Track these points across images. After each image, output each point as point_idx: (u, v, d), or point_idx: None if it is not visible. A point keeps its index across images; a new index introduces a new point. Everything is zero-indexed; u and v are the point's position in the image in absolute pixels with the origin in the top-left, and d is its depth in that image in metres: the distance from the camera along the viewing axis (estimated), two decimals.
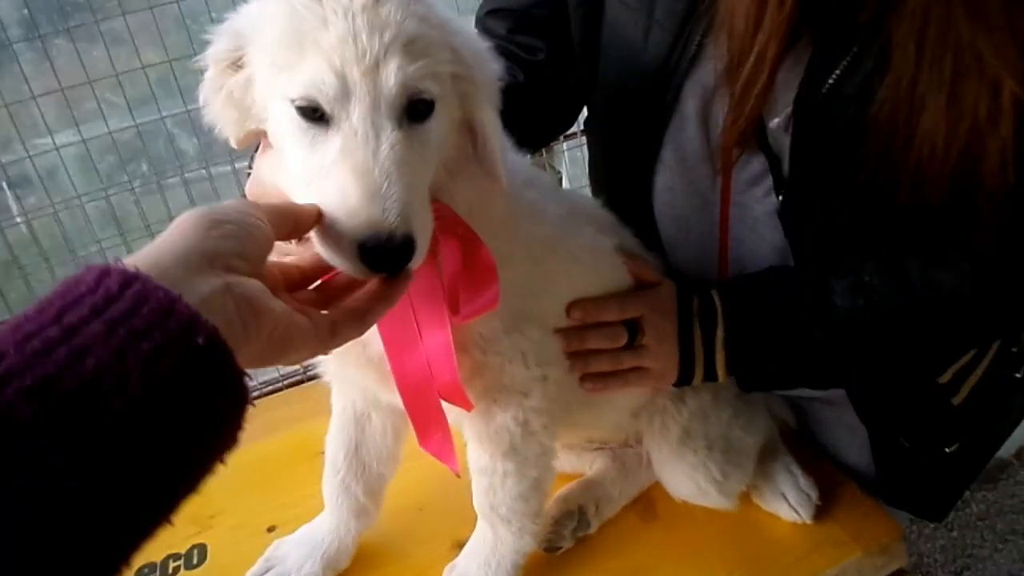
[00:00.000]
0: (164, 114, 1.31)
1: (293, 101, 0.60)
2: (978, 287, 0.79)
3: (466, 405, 0.78)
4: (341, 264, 0.59)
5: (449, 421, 0.81)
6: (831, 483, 1.04)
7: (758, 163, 0.86)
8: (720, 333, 0.88)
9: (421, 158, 0.62)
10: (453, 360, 0.73)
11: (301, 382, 1.42)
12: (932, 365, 0.94)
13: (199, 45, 0.68)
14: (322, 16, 0.59)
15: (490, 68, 0.70)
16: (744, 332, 0.88)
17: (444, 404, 0.79)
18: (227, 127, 0.69)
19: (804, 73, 0.77)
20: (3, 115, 1.17)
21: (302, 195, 0.62)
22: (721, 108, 0.82)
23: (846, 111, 0.75)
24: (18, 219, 1.23)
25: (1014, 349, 1.01)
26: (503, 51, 0.92)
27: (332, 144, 0.60)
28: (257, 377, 1.45)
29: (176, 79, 1.28)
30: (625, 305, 0.88)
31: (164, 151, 1.37)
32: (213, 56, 0.66)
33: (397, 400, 0.82)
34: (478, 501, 0.90)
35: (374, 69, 0.59)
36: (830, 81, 0.75)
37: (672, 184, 0.93)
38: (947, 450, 0.98)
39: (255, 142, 0.73)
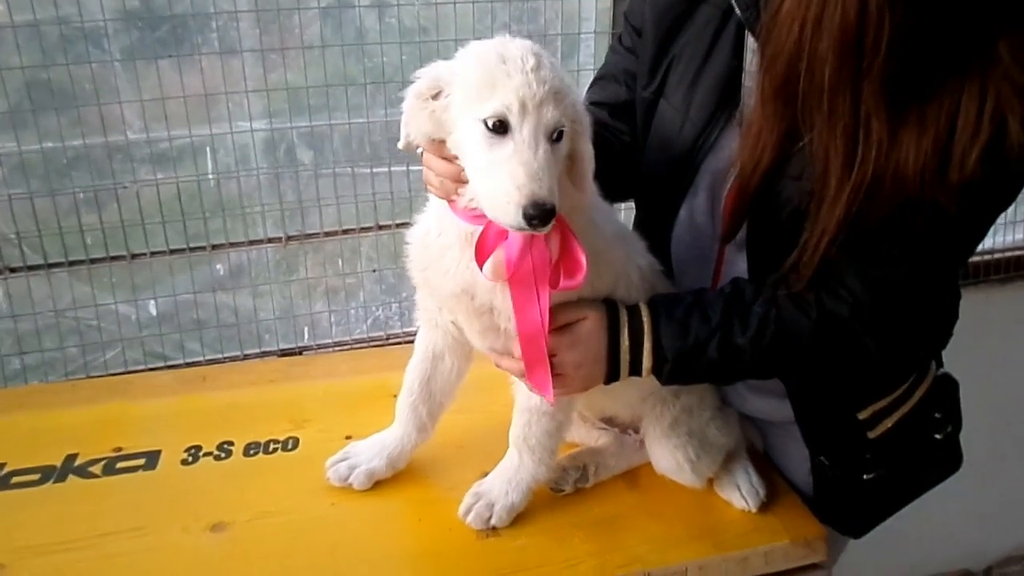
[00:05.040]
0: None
1: (484, 120, 0.95)
2: (854, 316, 1.08)
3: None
4: (507, 221, 0.94)
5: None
6: (778, 491, 1.33)
7: (745, 232, 1.17)
8: (648, 344, 1.11)
9: (554, 165, 0.97)
10: (547, 316, 1.06)
11: (383, 343, 1.79)
12: (833, 381, 1.22)
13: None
14: (506, 71, 0.95)
15: (589, 119, 1.06)
16: (670, 341, 1.10)
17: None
18: (414, 132, 1.04)
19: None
20: (223, 99, 1.60)
21: (477, 180, 0.98)
22: (724, 185, 1.16)
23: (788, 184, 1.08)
24: (211, 176, 1.64)
25: (937, 415, 1.30)
26: (606, 130, 1.28)
27: (506, 148, 0.95)
28: (351, 334, 1.82)
29: None
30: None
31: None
32: (415, 90, 1.02)
33: (481, 345, 1.17)
34: (515, 433, 1.21)
35: (539, 106, 0.95)
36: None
37: (682, 235, 1.26)
38: (865, 477, 1.26)
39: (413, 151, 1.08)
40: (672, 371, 1.13)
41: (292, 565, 1.14)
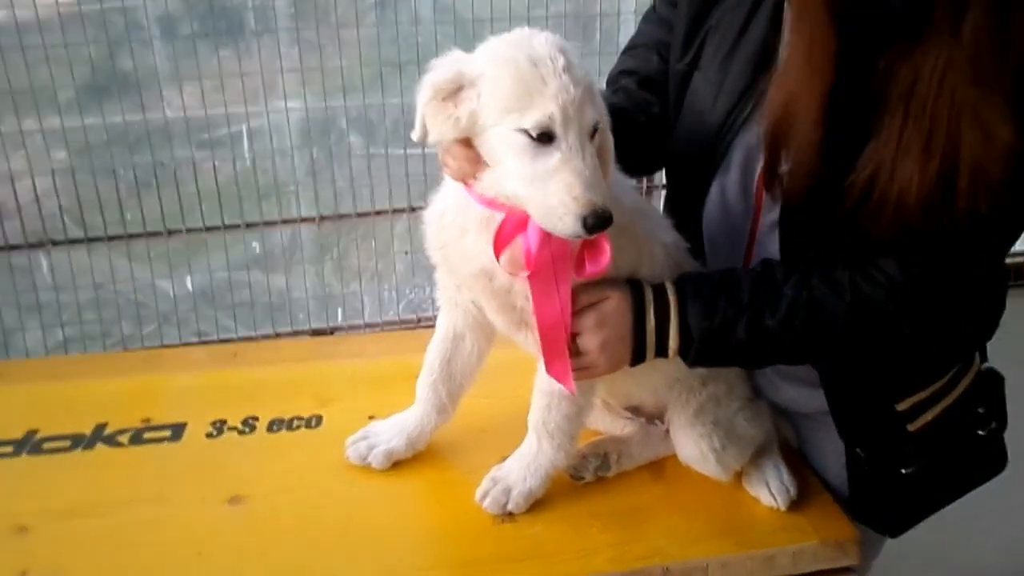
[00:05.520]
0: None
1: (526, 130, 0.92)
2: (890, 300, 1.02)
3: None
4: (565, 231, 0.92)
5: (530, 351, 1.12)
6: (810, 489, 1.26)
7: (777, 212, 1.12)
8: (674, 323, 1.08)
9: (598, 164, 0.95)
10: (568, 308, 1.05)
11: (415, 326, 1.78)
12: (868, 367, 1.16)
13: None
14: (540, 76, 0.92)
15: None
16: (696, 320, 1.07)
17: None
18: (434, 134, 0.99)
19: None
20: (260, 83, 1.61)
21: (522, 190, 0.95)
22: (757, 160, 1.11)
23: None
24: (247, 156, 1.66)
25: (980, 410, 1.22)
26: (631, 101, 1.25)
27: (553, 157, 0.92)
28: (383, 316, 1.82)
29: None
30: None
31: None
32: (433, 82, 0.97)
33: (501, 325, 1.14)
34: (534, 417, 1.18)
35: (580, 109, 0.93)
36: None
37: (714, 213, 1.21)
38: (904, 471, 1.20)
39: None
40: (699, 352, 1.09)
41: (306, 540, 1.14)
